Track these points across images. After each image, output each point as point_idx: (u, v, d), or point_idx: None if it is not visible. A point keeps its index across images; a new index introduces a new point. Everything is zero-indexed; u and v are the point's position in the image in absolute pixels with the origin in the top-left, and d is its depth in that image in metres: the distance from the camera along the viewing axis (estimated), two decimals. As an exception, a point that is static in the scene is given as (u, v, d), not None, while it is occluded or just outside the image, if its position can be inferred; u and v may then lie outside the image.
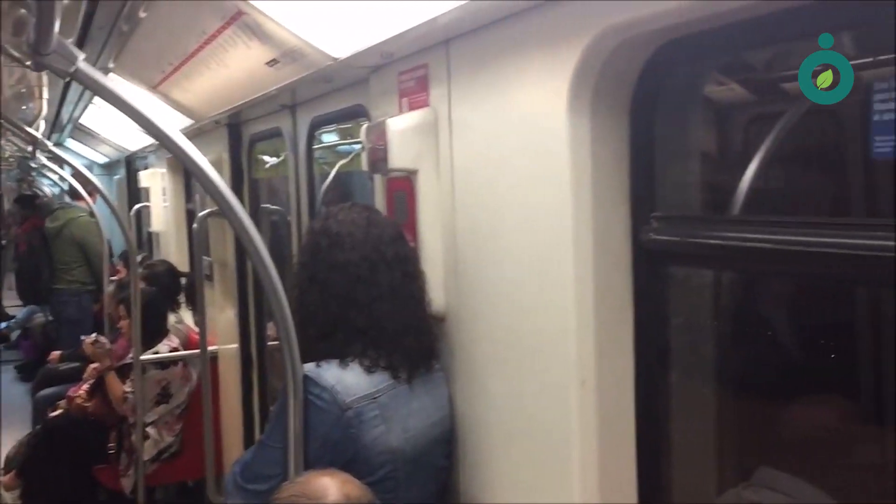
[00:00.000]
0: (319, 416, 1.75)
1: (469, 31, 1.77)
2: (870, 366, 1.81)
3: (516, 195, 1.66)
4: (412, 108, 2.03)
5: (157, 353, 4.41)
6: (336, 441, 1.75)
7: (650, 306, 1.53)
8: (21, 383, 7.93)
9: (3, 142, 6.28)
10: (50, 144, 5.38)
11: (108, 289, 5.46)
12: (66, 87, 4.88)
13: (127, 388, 4.39)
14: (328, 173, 3.51)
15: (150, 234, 7.00)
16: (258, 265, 1.64)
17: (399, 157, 1.94)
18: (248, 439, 4.09)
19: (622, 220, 1.51)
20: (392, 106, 2.14)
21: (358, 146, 2.15)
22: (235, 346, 4.21)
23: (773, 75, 1.84)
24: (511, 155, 1.67)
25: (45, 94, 5.03)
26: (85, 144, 9.21)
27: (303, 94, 2.96)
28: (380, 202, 2.28)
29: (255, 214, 3.98)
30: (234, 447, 4.29)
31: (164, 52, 3.10)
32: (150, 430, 4.38)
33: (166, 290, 4.91)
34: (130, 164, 8.39)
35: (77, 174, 5.49)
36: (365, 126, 2.10)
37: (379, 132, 1.97)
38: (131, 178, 8.14)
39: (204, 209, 3.86)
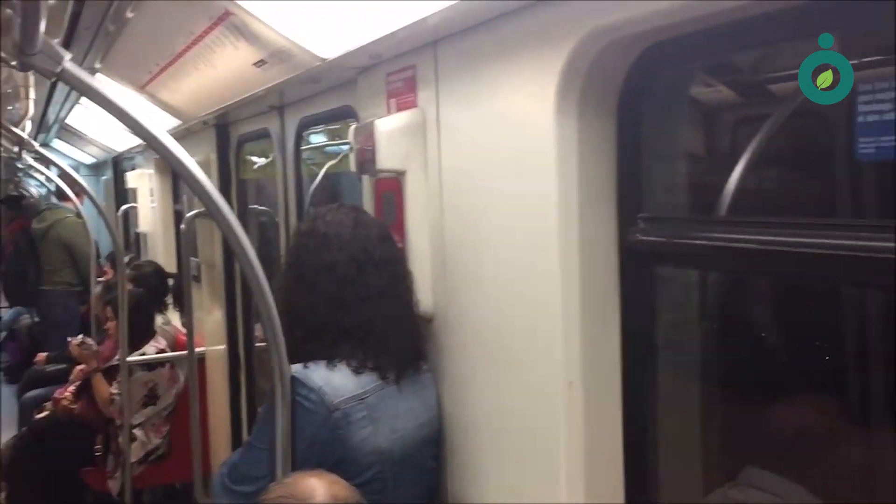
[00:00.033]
0: (307, 418, 1.75)
1: (457, 32, 1.77)
2: (856, 365, 1.82)
3: (504, 196, 1.66)
4: (400, 109, 2.03)
5: (144, 354, 4.40)
6: (324, 442, 1.75)
7: (637, 307, 1.54)
8: (7, 385, 7.87)
9: (-11, 142, 6.24)
10: (36, 145, 5.35)
11: (95, 290, 5.44)
12: (53, 87, 4.86)
13: (114, 389, 4.37)
14: (316, 174, 3.51)
15: (137, 235, 6.98)
16: (245, 266, 1.63)
17: (387, 158, 1.94)
18: (236, 441, 4.08)
19: (609, 220, 1.52)
20: (380, 107, 2.14)
21: (346, 147, 2.15)
22: (223, 347, 4.20)
23: (760, 77, 1.85)
24: (498, 156, 1.67)
25: (32, 95, 4.99)
26: (72, 145, 9.17)
27: (291, 95, 2.96)
28: (368, 203, 2.28)
29: (243, 215, 3.98)
30: (221, 449, 4.28)
31: (151, 52, 3.09)
32: (137, 431, 4.36)
33: (154, 291, 4.90)
34: (117, 165, 8.36)
35: (64, 175, 5.46)
36: (353, 127, 2.10)
37: (367, 133, 1.97)
38: (118, 179, 8.11)
39: (191, 210, 3.85)
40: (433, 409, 1.93)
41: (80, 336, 4.77)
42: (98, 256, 6.83)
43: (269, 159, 3.64)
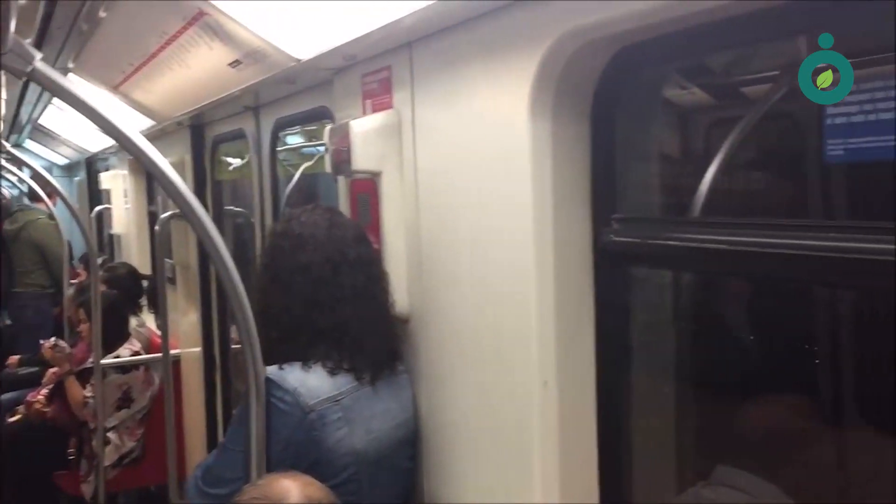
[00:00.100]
0: (282, 419, 1.74)
1: (432, 33, 1.77)
2: (827, 365, 1.85)
3: (479, 197, 1.66)
4: (376, 109, 2.03)
5: (118, 357, 4.36)
6: (299, 443, 1.74)
7: (611, 307, 1.54)
8: (-22, 389, 7.78)
9: (-41, 143, 6.16)
10: (8, 145, 5.29)
11: (68, 292, 5.38)
12: (25, 87, 4.81)
13: (87, 392, 4.33)
14: (293, 175, 3.50)
15: (111, 236, 6.92)
16: (220, 268, 1.62)
17: (362, 159, 1.94)
18: (212, 443, 4.06)
19: (583, 221, 1.53)
20: (356, 108, 2.13)
21: (322, 148, 2.15)
22: (198, 349, 4.18)
23: (734, 79, 1.87)
24: (474, 157, 1.67)
25: (3, 95, 4.95)
26: (44, 145, 9.08)
27: (266, 96, 2.95)
28: (343, 204, 2.28)
29: (218, 217, 3.96)
30: (197, 451, 4.26)
31: (124, 52, 3.07)
32: (111, 435, 4.32)
33: (127, 293, 4.85)
34: (91, 166, 8.28)
35: (36, 176, 5.41)
36: (328, 128, 2.09)
37: (342, 134, 1.97)
38: (92, 180, 8.04)
39: (166, 211, 3.82)
40: (409, 410, 1.93)
41: (53, 339, 4.72)
42: (71, 258, 6.74)
43: (244, 160, 3.63)
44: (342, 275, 1.83)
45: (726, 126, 1.82)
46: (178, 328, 4.54)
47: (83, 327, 4.53)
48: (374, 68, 2.04)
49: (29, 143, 9.05)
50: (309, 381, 1.77)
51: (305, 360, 1.81)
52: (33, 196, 6.93)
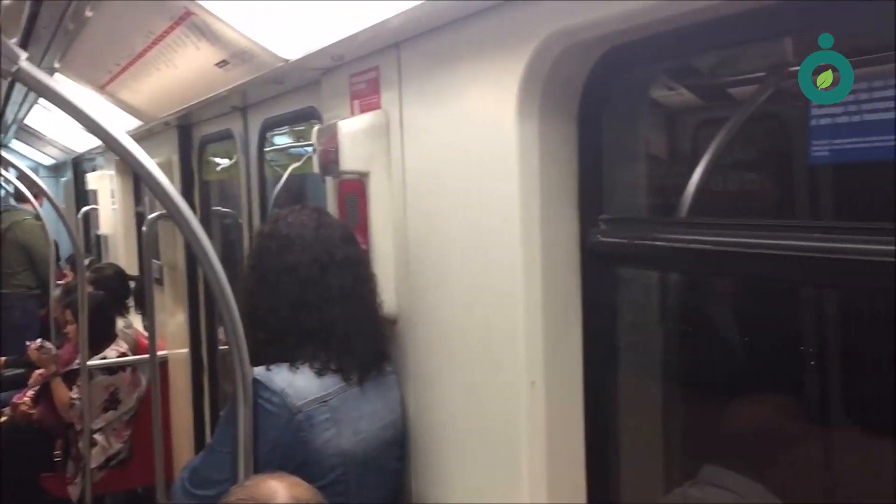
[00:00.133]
0: (269, 420, 1.74)
1: (419, 34, 1.77)
2: (814, 365, 1.85)
3: (467, 198, 1.66)
4: (364, 110, 2.03)
5: (104, 358, 4.34)
6: (286, 444, 1.74)
7: (598, 307, 1.55)
8: (-36, 390, 7.73)
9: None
10: (-6, 146, 5.26)
11: (55, 293, 5.36)
12: (11, 87, 4.78)
13: (73, 394, 4.31)
14: (281, 176, 3.49)
15: (98, 237, 6.90)
16: (207, 269, 1.62)
17: (350, 160, 1.94)
18: (199, 445, 4.04)
19: (570, 222, 1.53)
20: (344, 108, 2.13)
21: (311, 149, 2.14)
22: (186, 350, 4.16)
23: (721, 80, 1.87)
24: (461, 158, 1.67)
25: (-12, 95, 4.92)
26: (30, 146, 9.03)
27: (254, 96, 2.94)
28: (331, 205, 2.28)
29: (206, 217, 3.95)
30: (184, 453, 4.24)
31: (111, 52, 3.05)
32: (97, 436, 4.30)
33: (115, 294, 4.83)
34: (78, 166, 8.25)
35: (22, 176, 5.37)
36: (316, 128, 2.09)
37: (330, 134, 1.97)
38: (79, 181, 8.00)
39: (153, 212, 3.81)
40: (397, 411, 1.93)
41: (39, 340, 4.69)
42: (58, 259, 6.72)
43: (232, 161, 3.62)
44: (330, 275, 1.83)
45: (713, 127, 1.83)
46: (166, 329, 4.52)
47: (70, 328, 4.51)
48: (361, 69, 2.04)
49: (15, 144, 9.00)
50: (296, 382, 1.77)
51: (293, 361, 1.80)
52: (19, 197, 6.88)
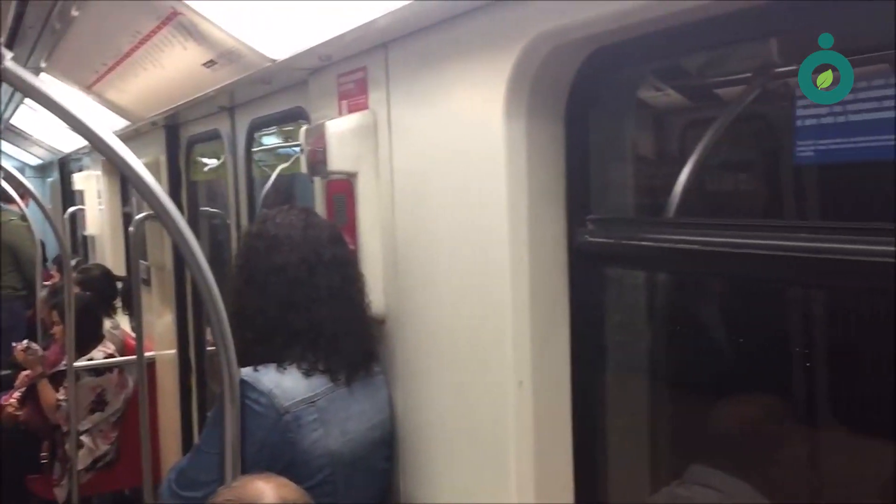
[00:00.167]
0: (257, 421, 1.73)
1: (407, 34, 1.77)
2: (800, 364, 1.86)
3: (454, 198, 1.66)
4: (351, 110, 2.03)
5: (91, 359, 4.32)
6: (274, 445, 1.73)
7: (586, 307, 1.55)
8: (-50, 392, 7.67)
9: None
10: (-21, 146, 5.23)
11: (41, 294, 5.32)
12: (-3, 86, 4.75)
13: (60, 395, 4.28)
14: (269, 176, 3.48)
15: (84, 237, 6.86)
16: (194, 269, 1.61)
17: (338, 160, 1.93)
18: (187, 446, 4.03)
19: (558, 222, 1.53)
20: (331, 108, 2.13)
21: (299, 149, 2.14)
22: (173, 351, 4.15)
23: (709, 81, 1.88)
24: (449, 158, 1.67)
25: (-27, 95, 4.89)
26: (16, 146, 8.97)
27: (241, 96, 2.94)
28: (319, 205, 2.27)
29: (193, 218, 3.93)
30: (172, 454, 4.23)
31: (97, 51, 3.04)
32: (84, 438, 4.28)
33: (101, 294, 4.81)
34: (64, 167, 8.21)
35: (8, 176, 5.33)
36: (304, 128, 2.09)
37: (318, 135, 1.96)
38: (65, 181, 7.97)
39: (141, 212, 3.79)
40: (385, 411, 1.93)
41: (26, 341, 4.66)
42: (44, 260, 6.68)
43: (220, 161, 3.61)
44: (317, 275, 1.83)
45: (701, 127, 1.83)
46: (153, 330, 4.51)
47: (56, 329, 4.49)
48: (349, 69, 2.04)
49: (0, 144, 8.93)
50: (284, 383, 1.76)
51: (281, 361, 1.80)
52: (5, 197, 6.83)
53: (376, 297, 1.95)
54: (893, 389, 1.58)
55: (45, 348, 4.73)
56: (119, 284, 5.18)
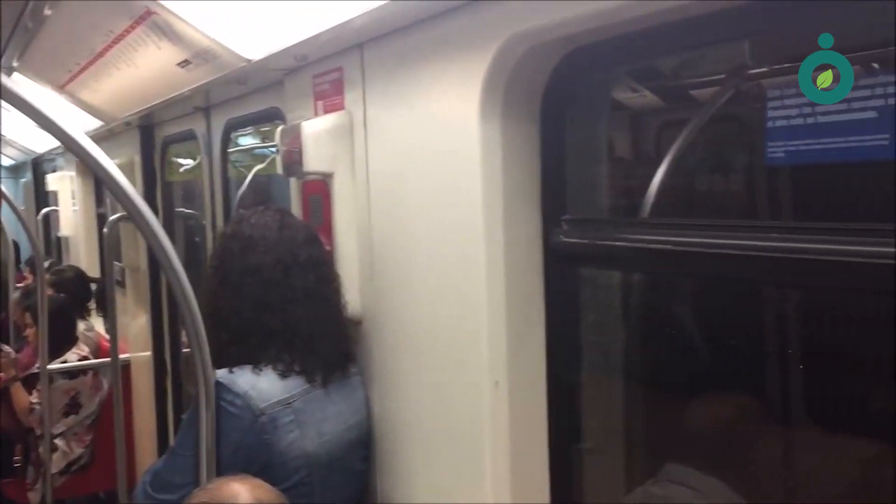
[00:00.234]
0: (232, 423, 1.72)
1: (383, 34, 1.77)
2: (775, 364, 1.88)
3: (430, 199, 1.66)
4: (327, 111, 2.02)
5: (65, 362, 4.28)
6: (249, 447, 1.72)
7: (561, 308, 1.55)
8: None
9: None
10: (-50, 146, 5.16)
11: (14, 296, 5.26)
12: (-32, 86, 4.69)
13: (33, 398, 4.24)
14: (246, 177, 3.47)
15: (58, 239, 6.80)
16: (168, 271, 1.60)
17: (314, 161, 1.93)
18: (162, 448, 4.00)
19: (533, 222, 1.53)
20: (307, 109, 2.12)
21: (275, 149, 2.13)
22: (149, 353, 4.12)
23: (684, 82, 1.89)
24: (425, 159, 1.67)
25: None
26: (-11, 146, 8.85)
27: (217, 96, 2.92)
28: (295, 205, 2.27)
29: (169, 218, 3.91)
30: (147, 457, 4.19)
31: (70, 51, 3.01)
32: (58, 441, 4.24)
33: (75, 296, 4.77)
34: (38, 167, 8.12)
35: (-20, 177, 5.28)
36: (279, 129, 2.08)
37: (294, 135, 1.96)
38: (38, 182, 7.88)
39: (115, 213, 3.76)
40: (361, 412, 1.93)
41: (-2, 344, 4.62)
42: (17, 261, 6.60)
43: (196, 161, 3.59)
44: (293, 276, 1.82)
45: (676, 128, 1.85)
46: (128, 332, 4.47)
47: (29, 332, 4.44)
48: (325, 69, 2.03)
49: (-28, 144, 8.82)
50: (259, 384, 1.75)
51: (256, 362, 1.79)
52: (-23, 198, 6.75)
53: (352, 297, 1.94)
54: (867, 389, 1.60)
55: (17, 351, 4.68)
56: (93, 286, 5.14)
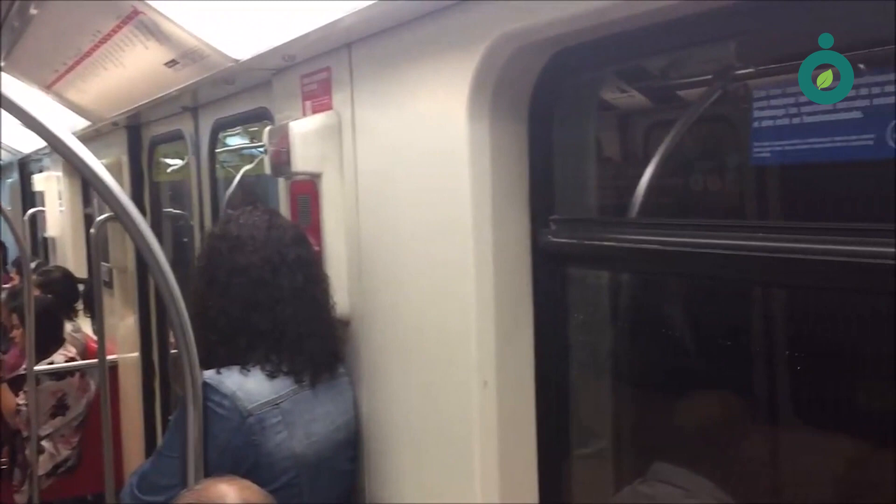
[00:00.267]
0: (220, 424, 1.72)
1: (371, 34, 1.77)
2: (763, 363, 1.89)
3: (419, 199, 1.66)
4: (315, 111, 2.02)
5: (52, 363, 4.27)
6: (237, 448, 1.72)
7: (549, 307, 1.56)
8: None
9: None
10: (-65, 146, 5.13)
11: (1, 297, 5.24)
12: (-47, 86, 4.66)
13: (20, 400, 4.22)
14: (234, 177, 3.46)
15: (45, 239, 6.77)
16: (155, 272, 1.59)
17: (302, 161, 1.93)
18: (150, 450, 3.97)
19: (522, 222, 1.54)
20: (295, 109, 2.12)
21: (263, 149, 2.13)
22: (136, 354, 4.10)
23: (672, 83, 1.90)
24: (413, 159, 1.67)
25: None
26: (-25, 147, 8.80)
27: (204, 96, 2.91)
28: (284, 206, 2.26)
29: (156, 219, 3.90)
30: (135, 459, 4.17)
31: (57, 50, 3.00)
32: (45, 443, 4.22)
33: (62, 297, 4.75)
34: (24, 168, 8.08)
35: (-34, 178, 5.26)
36: (267, 129, 2.07)
37: (281, 135, 1.95)
38: (25, 182, 7.84)
39: (102, 214, 3.74)
40: (349, 412, 1.92)
41: (-16, 345, 4.60)
42: (4, 262, 6.58)
43: (184, 161, 3.57)
44: (281, 276, 1.82)
45: (665, 128, 1.85)
46: (116, 333, 4.45)
47: (16, 333, 4.43)
48: (313, 69, 2.03)
49: (-42, 145, 8.77)
50: (247, 385, 1.75)
51: (244, 363, 1.78)
52: (-37, 199, 6.72)
53: (341, 297, 1.94)
54: (854, 388, 1.61)
55: (4, 352, 4.66)
56: (80, 287, 5.12)
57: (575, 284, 1.63)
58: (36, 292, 4.20)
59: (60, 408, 4.28)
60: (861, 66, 1.02)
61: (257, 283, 1.80)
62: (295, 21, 1.81)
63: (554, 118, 1.53)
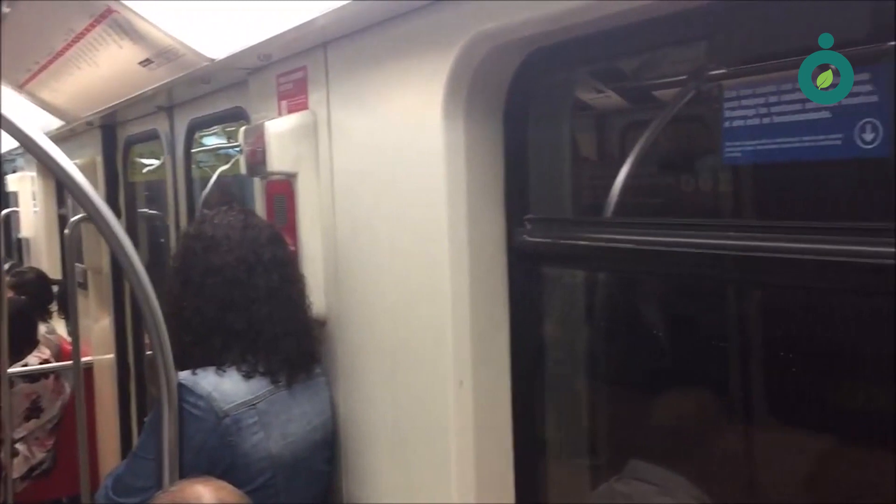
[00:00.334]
0: (195, 425, 1.71)
1: (347, 34, 1.77)
2: (737, 362, 1.90)
3: (394, 199, 1.66)
4: (291, 110, 2.01)
5: (26, 365, 4.22)
6: (213, 449, 1.71)
7: (525, 306, 1.56)
8: None
9: None
10: None
11: (-27, 299, 5.18)
12: (-76, 85, 4.61)
13: (-7, 403, 4.17)
14: (210, 177, 3.44)
15: (19, 240, 6.70)
16: (129, 273, 1.58)
17: (278, 160, 1.92)
18: (125, 452, 3.95)
19: (497, 222, 1.54)
20: (271, 109, 2.11)
21: (239, 149, 2.12)
22: (111, 356, 4.07)
23: (647, 83, 1.91)
24: (389, 158, 1.67)
25: None
26: (-53, 146, 8.68)
27: (180, 96, 2.89)
28: (260, 205, 2.25)
29: (131, 219, 3.87)
30: (110, 461, 4.14)
31: (30, 49, 2.96)
32: (19, 446, 4.18)
33: (36, 298, 4.71)
34: (-3, 168, 7.99)
35: (-63, 178, 5.19)
36: (243, 129, 2.06)
37: (257, 135, 1.95)
38: (-2, 182, 7.76)
39: (77, 214, 3.71)
40: (326, 413, 1.92)
41: (-43, 347, 4.53)
42: (-24, 263, 6.50)
43: (160, 161, 3.55)
44: (256, 276, 1.81)
45: (640, 128, 1.86)
46: (90, 334, 4.42)
47: (-11, 335, 4.37)
48: (289, 69, 2.02)
49: (-70, 144, 8.65)
50: (223, 386, 1.74)
51: (220, 364, 1.78)
52: (-65, 199, 6.64)
53: (317, 297, 1.94)
54: (828, 387, 1.63)
55: (-24, 354, 4.60)
56: (55, 288, 5.08)
57: (550, 283, 1.64)
58: (9, 293, 4.15)
59: (35, 410, 4.24)
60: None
61: (232, 283, 1.80)
62: (270, 20, 1.81)
63: (529, 117, 1.53)
